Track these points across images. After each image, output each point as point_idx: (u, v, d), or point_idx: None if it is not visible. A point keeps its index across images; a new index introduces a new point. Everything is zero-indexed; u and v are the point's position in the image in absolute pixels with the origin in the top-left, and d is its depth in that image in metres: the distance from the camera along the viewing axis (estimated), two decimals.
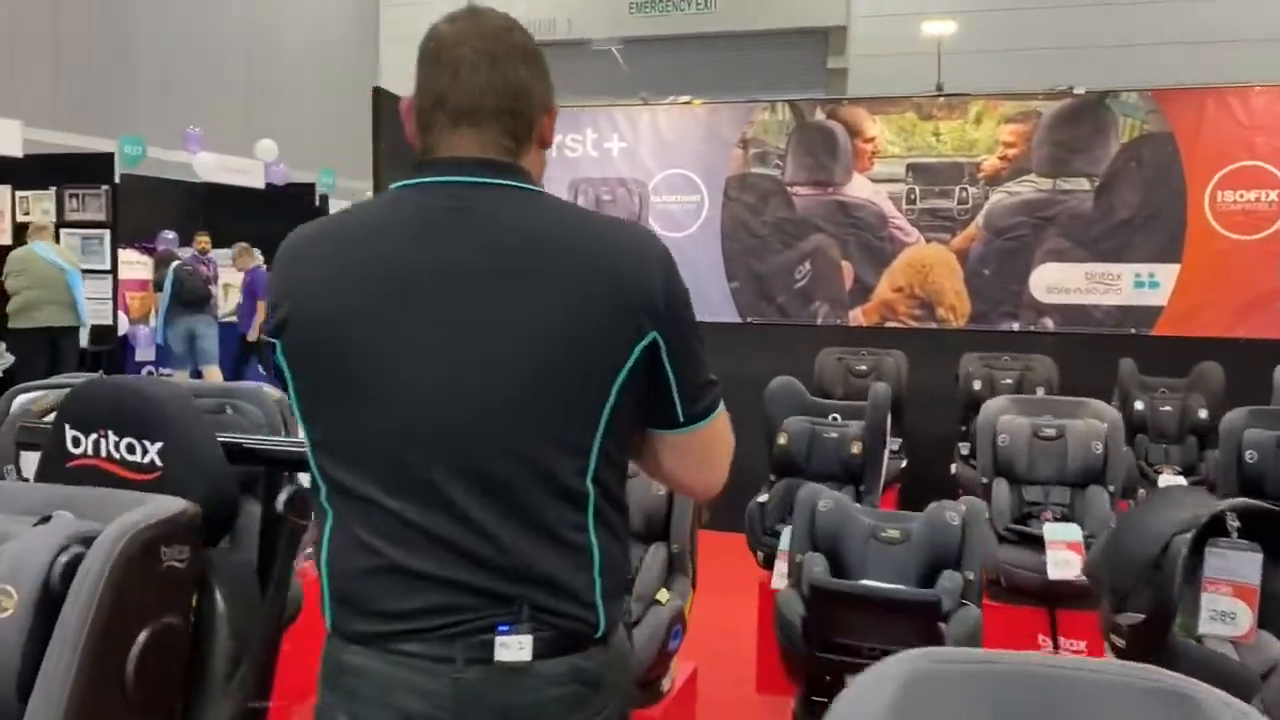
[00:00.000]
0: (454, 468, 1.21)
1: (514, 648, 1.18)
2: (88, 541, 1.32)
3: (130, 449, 1.57)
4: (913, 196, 5.90)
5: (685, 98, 6.27)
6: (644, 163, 6.32)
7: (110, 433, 1.57)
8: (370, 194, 14.22)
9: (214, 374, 9.37)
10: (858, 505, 3.00)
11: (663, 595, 2.68)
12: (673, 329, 1.26)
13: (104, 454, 1.58)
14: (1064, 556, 3.54)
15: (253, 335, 9.06)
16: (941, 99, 5.85)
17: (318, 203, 12.33)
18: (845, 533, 2.84)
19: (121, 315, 9.15)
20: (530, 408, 1.22)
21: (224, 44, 13.38)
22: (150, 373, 9.76)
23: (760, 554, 3.90)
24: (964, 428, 5.52)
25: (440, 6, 1.35)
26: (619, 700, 1.29)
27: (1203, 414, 5.09)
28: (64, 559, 1.30)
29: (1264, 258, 5.42)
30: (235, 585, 1.52)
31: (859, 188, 5.98)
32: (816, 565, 2.70)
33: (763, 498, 3.97)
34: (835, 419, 4.17)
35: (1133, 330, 5.62)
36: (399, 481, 1.22)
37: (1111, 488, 3.77)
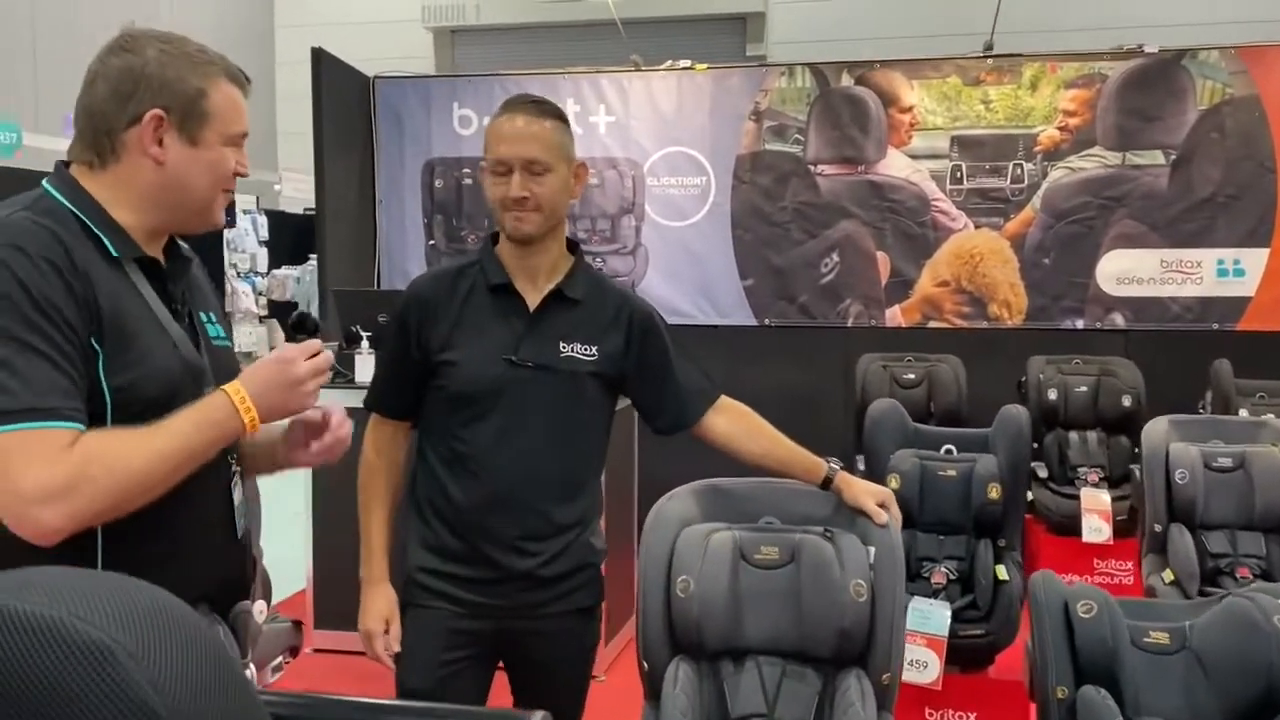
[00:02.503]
0: None
1: None
2: None
3: None
4: (959, 175, 5.07)
5: (685, 62, 5.33)
6: (638, 140, 5.37)
7: None
8: (279, 186, 13.05)
9: None
10: (1108, 596, 2.11)
11: None
12: None
13: None
14: None
15: None
16: (990, 60, 5.03)
17: None
18: (1118, 648, 1.95)
19: None
20: None
21: (107, 21, 12.02)
22: None
23: None
24: (1036, 444, 4.73)
25: None
26: None
27: None
28: None
29: None
30: None
31: (895, 165, 5.12)
32: (1109, 713, 1.80)
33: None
34: (950, 451, 3.29)
35: (1216, 325, 4.90)
36: None
37: None
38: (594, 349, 1.94)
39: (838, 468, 2.06)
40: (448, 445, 1.91)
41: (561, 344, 1.92)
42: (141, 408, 1.34)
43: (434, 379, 1.91)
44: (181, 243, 1.53)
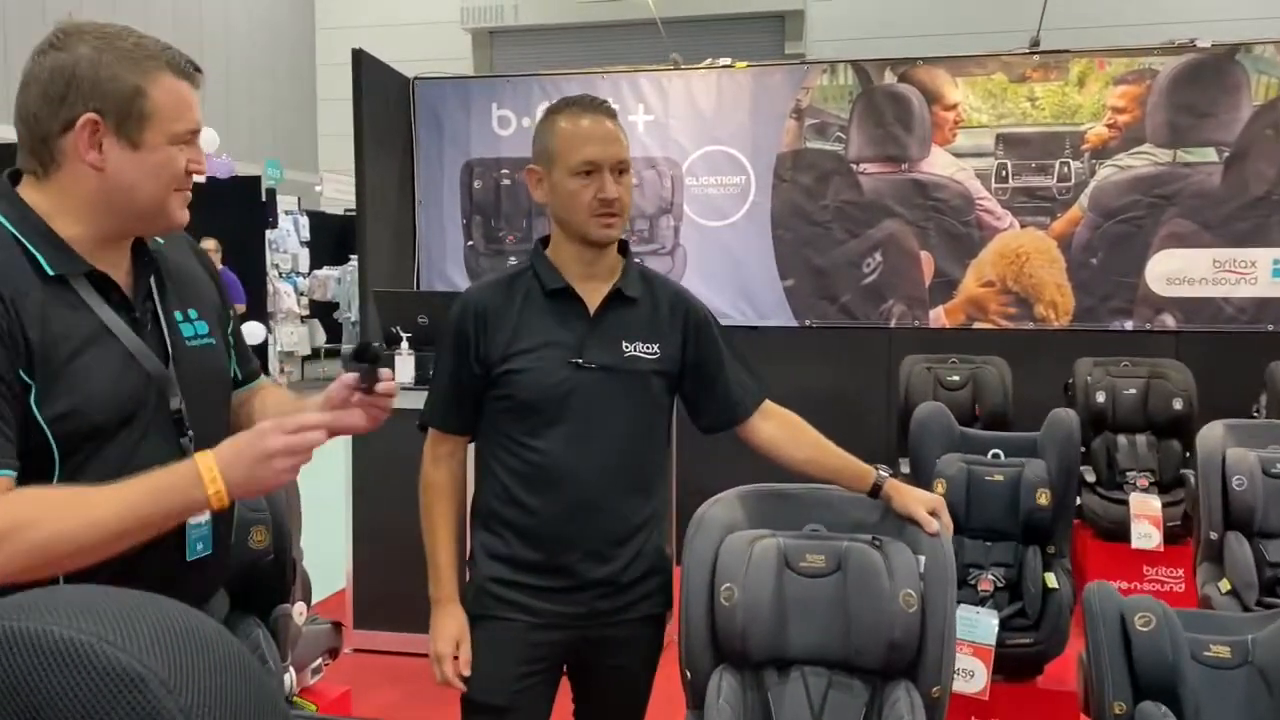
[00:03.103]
0: None
1: None
2: None
3: None
4: (1004, 173, 4.98)
5: (725, 60, 5.28)
6: (676, 139, 5.33)
7: None
8: (320, 187, 13.13)
9: None
10: (1166, 608, 2.04)
11: None
12: None
13: None
14: None
15: None
16: (1036, 57, 4.94)
17: (264, 197, 11.17)
18: (1178, 662, 1.89)
19: None
20: None
21: (148, 25, 12.18)
22: None
23: None
24: (1084, 448, 4.63)
25: None
26: None
27: None
28: None
29: None
30: None
31: (939, 164, 5.04)
32: None
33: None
34: (997, 455, 3.23)
35: (1270, 327, 4.77)
36: None
37: None
38: (655, 347, 1.92)
39: (886, 475, 2.01)
40: (517, 456, 1.87)
41: (624, 344, 1.89)
42: (87, 435, 1.29)
43: (495, 390, 1.87)
44: (157, 238, 1.46)
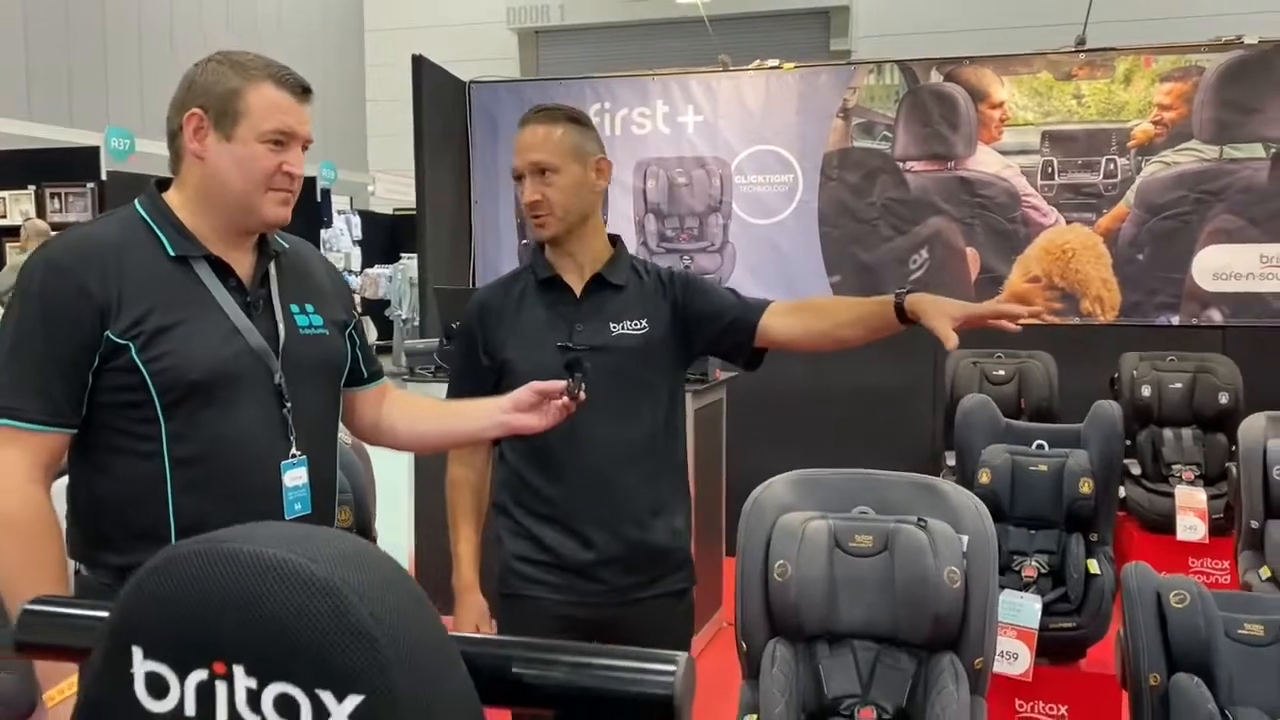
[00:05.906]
0: None
1: None
2: None
3: (286, 707, 0.68)
4: (1050, 170, 5.05)
5: (773, 61, 5.39)
6: (725, 139, 5.44)
7: (242, 671, 0.69)
8: (373, 187, 13.35)
9: None
10: (1201, 587, 2.13)
11: None
12: None
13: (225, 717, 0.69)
14: None
15: None
16: (1083, 55, 4.99)
17: (319, 197, 11.42)
18: (1211, 637, 1.98)
19: None
20: None
21: (202, 28, 12.51)
22: None
23: None
24: (1129, 442, 4.68)
25: None
26: None
27: None
28: None
29: None
30: None
31: (985, 161, 5.12)
32: (1202, 699, 1.84)
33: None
34: (1041, 446, 3.31)
35: None
36: None
37: None
38: (643, 322, 2.01)
39: (904, 293, 1.97)
40: (525, 441, 1.93)
41: (612, 324, 2.00)
42: (185, 391, 1.47)
43: (502, 380, 1.97)
44: (282, 240, 1.66)
